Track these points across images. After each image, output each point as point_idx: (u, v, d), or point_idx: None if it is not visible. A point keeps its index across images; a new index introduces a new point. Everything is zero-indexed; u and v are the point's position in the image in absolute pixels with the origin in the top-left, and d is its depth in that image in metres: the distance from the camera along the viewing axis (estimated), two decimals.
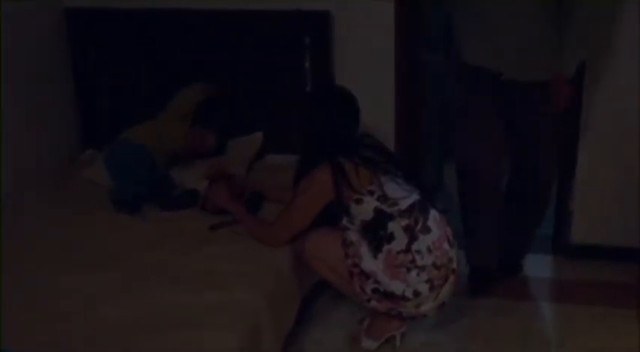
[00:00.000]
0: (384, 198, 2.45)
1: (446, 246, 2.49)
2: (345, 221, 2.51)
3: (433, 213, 2.52)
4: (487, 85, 2.82)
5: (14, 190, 3.02)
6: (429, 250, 2.43)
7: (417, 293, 2.44)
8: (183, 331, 2.07)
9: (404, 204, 2.46)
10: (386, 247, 2.43)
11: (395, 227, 2.43)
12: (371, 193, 2.45)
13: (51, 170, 3.28)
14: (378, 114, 3.12)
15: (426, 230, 2.46)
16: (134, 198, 2.85)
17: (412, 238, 2.43)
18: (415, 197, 2.50)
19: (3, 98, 2.99)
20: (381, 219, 2.44)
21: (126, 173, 2.89)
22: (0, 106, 2.97)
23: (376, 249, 2.44)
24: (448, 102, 4.45)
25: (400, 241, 2.43)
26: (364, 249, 2.46)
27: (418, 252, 2.42)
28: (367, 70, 3.16)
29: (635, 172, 3.13)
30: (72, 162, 3.41)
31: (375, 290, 2.47)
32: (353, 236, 2.50)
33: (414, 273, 2.42)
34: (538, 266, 3.33)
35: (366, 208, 2.45)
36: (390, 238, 2.43)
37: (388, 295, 2.46)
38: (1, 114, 2.96)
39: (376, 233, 2.45)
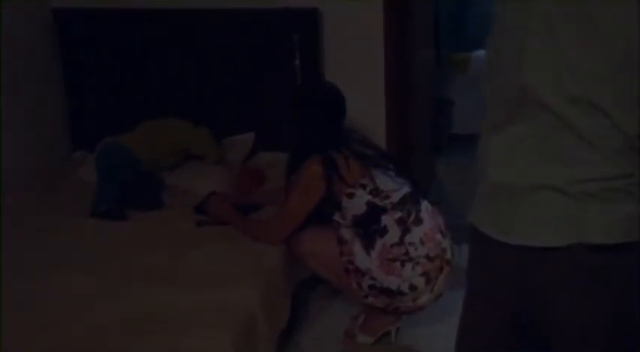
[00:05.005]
0: (376, 191, 2.46)
1: (438, 236, 2.50)
2: (336, 216, 2.51)
3: (425, 205, 2.53)
4: None
5: (4, 190, 3.00)
6: (422, 242, 2.44)
7: (413, 287, 2.45)
8: (177, 331, 2.06)
9: (396, 197, 2.47)
10: (379, 241, 2.44)
11: (388, 220, 2.44)
12: (363, 187, 2.46)
13: (41, 170, 3.26)
14: (368, 111, 3.12)
15: (418, 221, 2.47)
16: (117, 203, 2.83)
17: (405, 230, 2.44)
18: (407, 189, 2.51)
19: None
20: (373, 212, 2.45)
21: (112, 172, 2.88)
22: None
23: (369, 245, 2.45)
24: (439, 96, 4.46)
25: (393, 234, 2.44)
26: (357, 247, 2.47)
27: (412, 244, 2.43)
28: (357, 67, 3.16)
29: None
30: (62, 162, 3.40)
31: (371, 287, 2.48)
32: (346, 233, 2.50)
33: (408, 267, 2.43)
34: None
35: (358, 202, 2.46)
36: (384, 232, 2.44)
37: (385, 290, 2.47)
38: None
39: (369, 227, 2.45)
